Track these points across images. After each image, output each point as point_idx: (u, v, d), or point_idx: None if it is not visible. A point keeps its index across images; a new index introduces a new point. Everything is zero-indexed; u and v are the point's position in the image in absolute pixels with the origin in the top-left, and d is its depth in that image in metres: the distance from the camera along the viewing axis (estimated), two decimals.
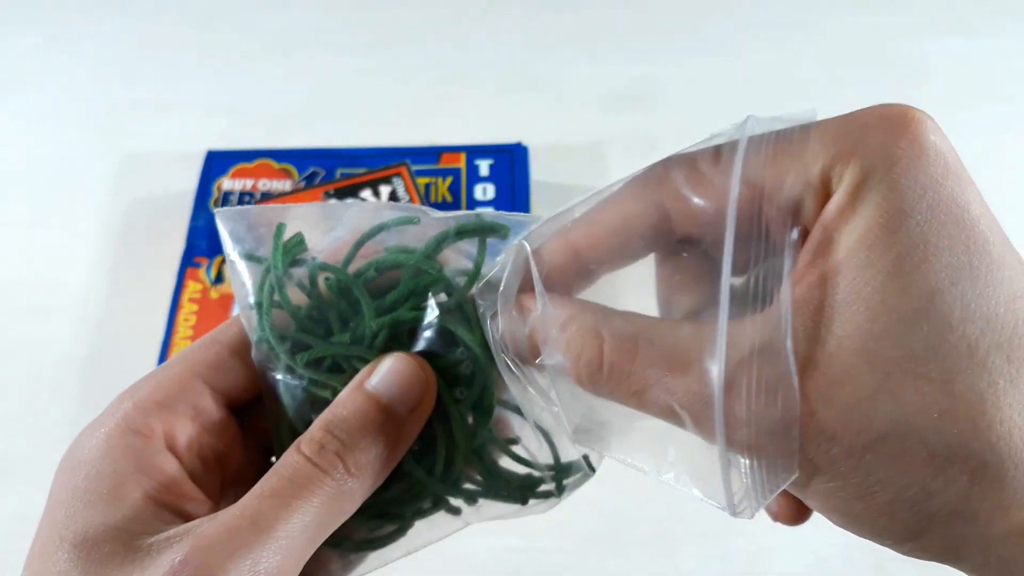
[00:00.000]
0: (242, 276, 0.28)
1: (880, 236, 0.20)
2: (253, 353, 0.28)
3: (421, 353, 0.27)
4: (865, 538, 0.21)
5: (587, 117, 0.73)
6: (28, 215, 0.69)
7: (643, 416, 0.23)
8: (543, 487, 0.29)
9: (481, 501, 0.29)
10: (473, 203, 0.65)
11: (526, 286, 0.25)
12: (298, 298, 0.28)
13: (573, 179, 0.68)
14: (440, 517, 0.29)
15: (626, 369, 0.22)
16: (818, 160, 0.21)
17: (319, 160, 0.68)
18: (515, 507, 0.29)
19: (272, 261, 0.28)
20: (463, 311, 0.28)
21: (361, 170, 0.66)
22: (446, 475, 0.28)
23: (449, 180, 0.66)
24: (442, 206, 0.65)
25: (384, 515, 0.28)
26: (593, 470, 0.30)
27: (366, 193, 0.65)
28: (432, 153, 0.68)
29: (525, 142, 0.68)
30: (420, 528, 0.29)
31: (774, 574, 0.51)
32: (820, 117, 0.22)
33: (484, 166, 0.67)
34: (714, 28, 0.79)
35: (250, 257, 0.28)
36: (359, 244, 0.28)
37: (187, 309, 0.60)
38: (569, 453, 0.29)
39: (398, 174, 0.65)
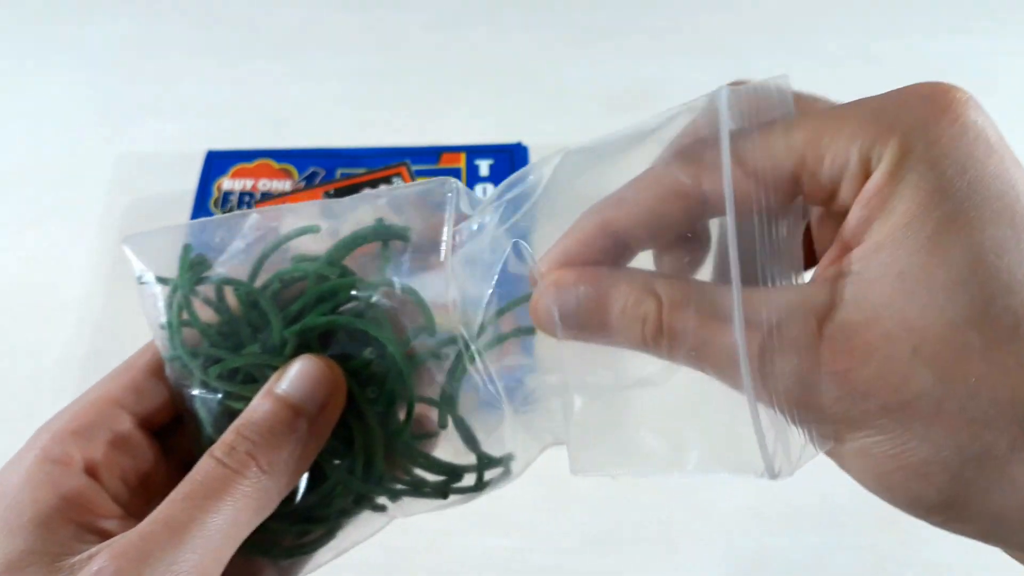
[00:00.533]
0: (152, 299, 0.29)
1: (917, 214, 0.20)
2: (167, 372, 0.29)
3: (333, 356, 0.28)
4: (901, 508, 0.21)
5: (587, 117, 0.73)
6: (28, 215, 0.69)
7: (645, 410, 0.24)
8: (464, 482, 0.30)
9: (404, 497, 0.29)
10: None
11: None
12: (210, 316, 0.29)
13: None
14: (366, 516, 0.30)
15: (682, 328, 0.22)
16: (856, 140, 0.21)
17: (319, 160, 0.68)
18: (438, 501, 0.30)
19: (179, 281, 0.29)
20: (374, 312, 0.28)
21: (361, 170, 0.66)
22: (367, 474, 0.28)
23: None
24: None
25: (310, 519, 0.29)
26: (511, 472, 0.30)
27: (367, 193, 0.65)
28: (432, 153, 0.68)
29: (525, 142, 0.68)
30: (348, 529, 0.30)
31: (774, 574, 0.51)
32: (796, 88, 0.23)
33: (484, 166, 0.67)
34: (714, 28, 0.79)
35: (158, 280, 0.29)
36: (263, 257, 0.29)
37: None
38: (501, 447, 0.30)
39: (398, 174, 0.65)
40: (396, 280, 0.28)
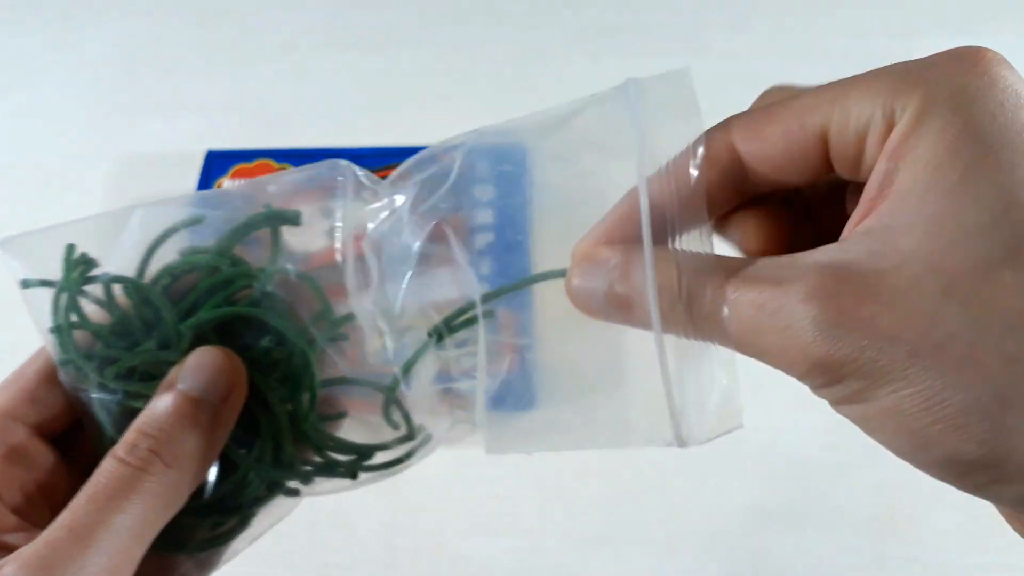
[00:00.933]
0: (38, 303, 0.29)
1: (945, 158, 0.19)
2: (61, 377, 0.28)
3: (232, 347, 0.28)
4: (939, 472, 0.20)
5: None
6: (28, 215, 0.69)
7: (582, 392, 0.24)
8: (376, 460, 0.30)
9: (316, 479, 0.30)
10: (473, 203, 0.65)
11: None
12: (102, 316, 0.28)
13: None
14: (279, 500, 0.30)
15: (699, 295, 0.22)
16: (880, 96, 0.21)
17: (318, 160, 0.67)
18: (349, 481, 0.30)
19: (63, 282, 0.28)
20: (270, 300, 0.28)
21: None
22: (277, 460, 0.28)
23: None
24: None
25: (223, 510, 0.29)
26: (428, 443, 0.30)
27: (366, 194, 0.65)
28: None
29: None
30: (261, 515, 0.30)
31: (774, 575, 0.51)
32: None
33: (484, 166, 0.67)
34: (714, 28, 0.79)
35: (42, 283, 0.28)
36: (151, 251, 0.28)
37: None
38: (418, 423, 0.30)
39: None
40: (290, 267, 0.28)
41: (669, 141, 0.23)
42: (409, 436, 0.30)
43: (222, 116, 0.74)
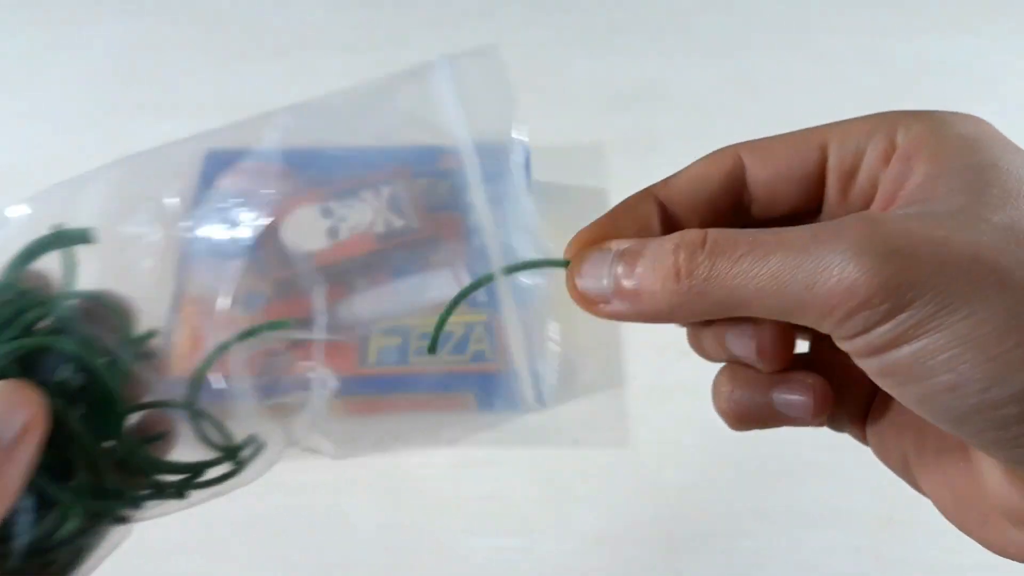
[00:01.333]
0: None
1: (966, 147, 0.21)
2: None
3: (38, 379, 0.26)
4: (1012, 410, 0.18)
5: (587, 117, 0.73)
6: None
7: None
8: (208, 475, 0.29)
9: (145, 504, 0.28)
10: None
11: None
12: None
13: (573, 179, 0.68)
14: (109, 531, 0.29)
15: (730, 243, 0.21)
16: (881, 122, 0.23)
17: (318, 160, 0.67)
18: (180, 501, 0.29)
19: None
20: (69, 327, 0.27)
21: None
22: (101, 491, 0.27)
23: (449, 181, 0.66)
24: None
25: (46, 551, 0.27)
26: (261, 450, 0.29)
27: (366, 194, 0.65)
28: (432, 153, 0.68)
29: (525, 142, 0.68)
30: (95, 545, 0.29)
31: (774, 574, 0.51)
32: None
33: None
34: (714, 28, 0.79)
35: None
36: None
37: None
38: (243, 433, 0.29)
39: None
40: (84, 290, 0.27)
41: (486, 117, 0.23)
42: (229, 450, 0.29)
43: (222, 116, 0.74)
